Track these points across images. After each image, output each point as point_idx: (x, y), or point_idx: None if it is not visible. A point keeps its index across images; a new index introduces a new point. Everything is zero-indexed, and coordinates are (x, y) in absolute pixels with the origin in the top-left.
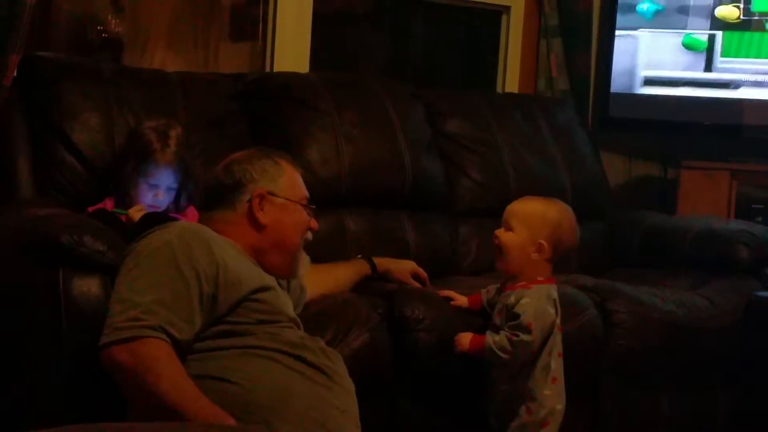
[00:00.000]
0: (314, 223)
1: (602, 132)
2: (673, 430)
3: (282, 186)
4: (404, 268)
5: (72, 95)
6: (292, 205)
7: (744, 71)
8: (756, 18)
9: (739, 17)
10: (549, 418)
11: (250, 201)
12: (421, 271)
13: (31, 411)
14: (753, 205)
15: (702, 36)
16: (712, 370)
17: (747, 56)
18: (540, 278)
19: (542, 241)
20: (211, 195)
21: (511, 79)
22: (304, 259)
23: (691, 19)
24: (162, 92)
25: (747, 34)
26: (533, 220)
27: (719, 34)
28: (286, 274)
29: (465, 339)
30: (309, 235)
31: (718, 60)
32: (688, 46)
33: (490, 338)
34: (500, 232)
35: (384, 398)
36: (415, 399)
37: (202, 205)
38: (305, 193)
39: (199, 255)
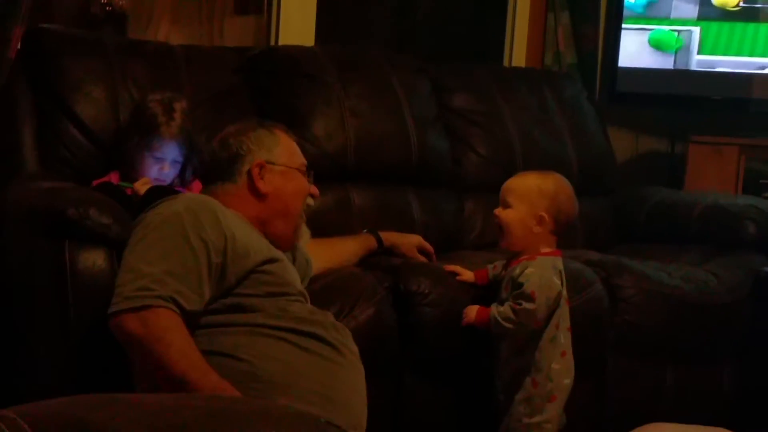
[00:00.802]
0: (314, 189)
1: (609, 106)
2: (678, 405)
3: (279, 154)
4: (410, 242)
5: (76, 68)
6: (292, 172)
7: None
8: (760, 6)
9: (738, 4)
10: (556, 392)
11: (249, 172)
12: (426, 245)
13: (37, 383)
14: (761, 180)
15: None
16: (717, 346)
17: (735, 53)
18: (545, 250)
19: (542, 214)
20: (210, 169)
21: (518, 53)
22: (304, 231)
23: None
24: (166, 66)
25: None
26: (530, 194)
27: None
28: (289, 242)
29: (471, 311)
30: (310, 201)
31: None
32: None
33: (495, 309)
34: (499, 211)
35: (389, 373)
36: (421, 373)
37: (202, 180)
38: (303, 159)
39: (207, 226)
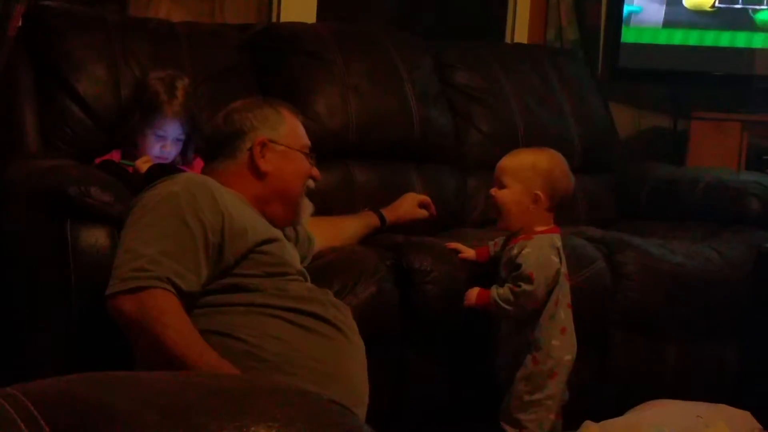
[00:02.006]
0: (316, 172)
1: (612, 83)
2: (680, 381)
3: (283, 134)
4: (409, 206)
5: (78, 46)
6: (293, 153)
7: None
8: (739, 6)
9: (713, 5)
10: (557, 368)
11: (251, 149)
12: (421, 197)
13: (39, 361)
14: (764, 156)
15: None
16: (720, 323)
17: None
18: (542, 228)
19: (537, 192)
20: (212, 144)
21: (520, 30)
22: (307, 205)
23: None
24: (168, 43)
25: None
26: (524, 172)
27: None
28: (289, 222)
29: (472, 294)
30: (311, 183)
31: None
32: None
33: (495, 291)
34: (494, 191)
35: (391, 350)
36: (423, 351)
37: (204, 156)
38: (306, 141)
39: (204, 206)
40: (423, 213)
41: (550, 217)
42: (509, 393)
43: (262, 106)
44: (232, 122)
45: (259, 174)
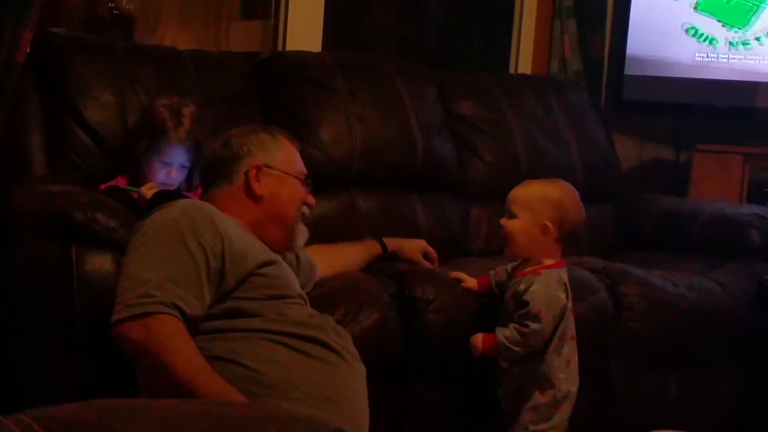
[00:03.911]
0: (311, 199)
1: (615, 114)
2: (681, 412)
3: (279, 159)
4: (414, 246)
5: (85, 72)
6: (289, 178)
7: None
8: None
9: None
10: (564, 400)
11: (247, 173)
12: (430, 249)
13: (44, 387)
14: (765, 189)
15: None
16: (721, 354)
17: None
18: (549, 262)
19: (547, 223)
20: (209, 170)
21: (524, 60)
22: (303, 230)
23: None
24: (174, 70)
25: None
26: (535, 203)
27: None
28: (284, 247)
29: (477, 341)
30: (306, 210)
31: None
32: None
33: (501, 334)
34: (504, 221)
35: (393, 378)
36: (425, 379)
37: (202, 182)
38: (303, 168)
39: (204, 231)
40: (423, 262)
41: (558, 248)
42: (514, 423)
43: (259, 132)
44: (229, 147)
45: (254, 197)
